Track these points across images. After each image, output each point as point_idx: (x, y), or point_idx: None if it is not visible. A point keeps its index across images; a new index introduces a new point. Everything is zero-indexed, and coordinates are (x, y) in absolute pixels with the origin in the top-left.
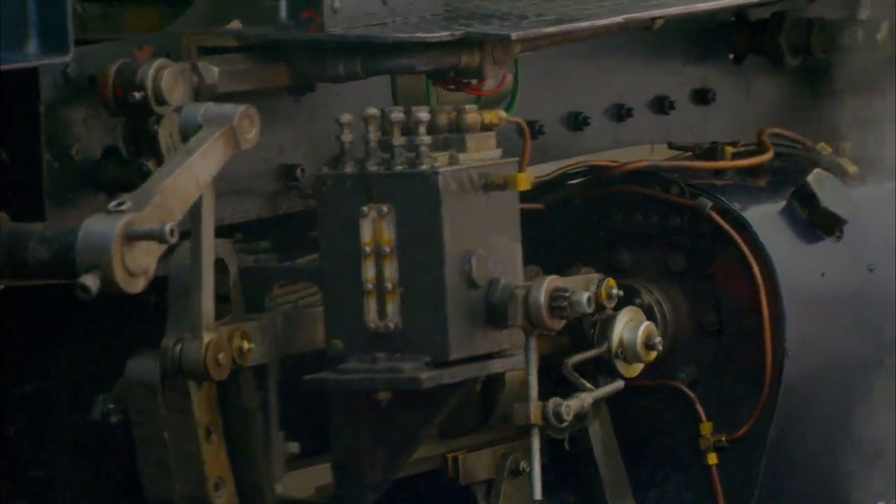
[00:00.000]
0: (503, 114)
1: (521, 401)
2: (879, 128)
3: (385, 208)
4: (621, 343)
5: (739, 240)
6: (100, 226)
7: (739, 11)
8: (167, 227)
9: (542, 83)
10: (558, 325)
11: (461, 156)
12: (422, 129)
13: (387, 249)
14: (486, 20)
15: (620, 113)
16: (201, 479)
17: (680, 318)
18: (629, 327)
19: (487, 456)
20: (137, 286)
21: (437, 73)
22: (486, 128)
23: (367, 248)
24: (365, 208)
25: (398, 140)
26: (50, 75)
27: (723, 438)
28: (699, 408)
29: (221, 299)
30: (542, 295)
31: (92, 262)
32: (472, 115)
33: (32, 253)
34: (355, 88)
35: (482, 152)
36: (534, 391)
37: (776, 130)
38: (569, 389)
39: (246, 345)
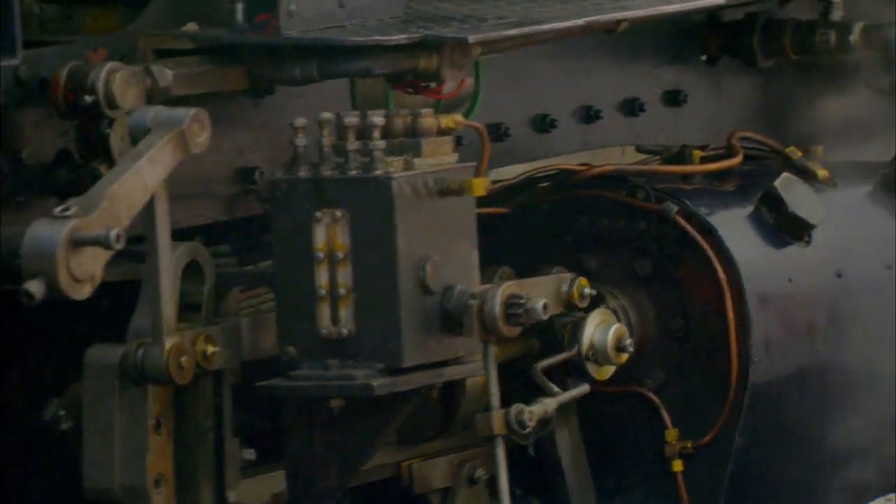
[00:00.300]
0: (460, 118)
1: (483, 407)
2: (853, 131)
3: (339, 213)
4: (592, 345)
5: (705, 245)
6: (45, 231)
7: (712, 13)
8: (113, 233)
9: (507, 85)
10: (514, 332)
11: (416, 161)
12: (376, 134)
13: (340, 255)
14: (445, 23)
15: (589, 115)
16: (143, 471)
17: (646, 324)
18: (599, 329)
19: (443, 464)
20: (83, 292)
21: (394, 76)
22: (442, 132)
23: (321, 254)
24: (318, 213)
25: (352, 145)
26: (1, 78)
27: (688, 445)
28: (665, 414)
29: (195, 307)
30: (496, 303)
31: (37, 267)
32: (428, 120)
33: None
34: (315, 91)
35: (438, 157)
36: (495, 400)
37: (746, 134)
38: (540, 393)
39: (210, 349)
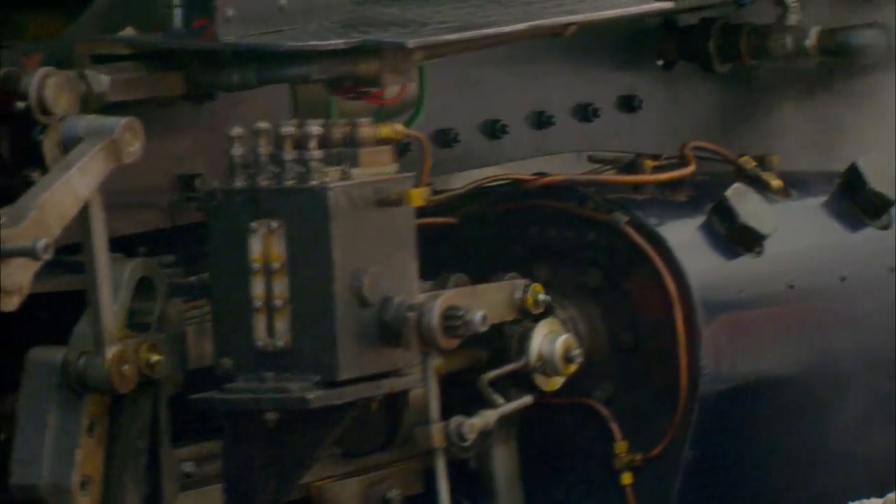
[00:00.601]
0: (400, 127)
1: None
2: (810, 138)
3: (275, 224)
4: (540, 356)
5: (654, 256)
6: None
7: (668, 17)
8: (40, 244)
9: (457, 90)
10: (453, 344)
11: (354, 171)
12: (313, 144)
13: (276, 266)
14: (385, 28)
15: (541, 120)
16: (71, 470)
17: (595, 335)
18: (547, 340)
19: (354, 485)
20: (11, 304)
21: (333, 81)
22: (381, 142)
23: (257, 265)
24: (254, 224)
25: (289, 154)
26: None
27: (638, 457)
28: (614, 426)
29: (145, 326)
30: (435, 315)
31: None
32: (366, 129)
33: None
34: (258, 97)
35: (377, 167)
36: (434, 412)
37: (699, 143)
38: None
39: (154, 357)
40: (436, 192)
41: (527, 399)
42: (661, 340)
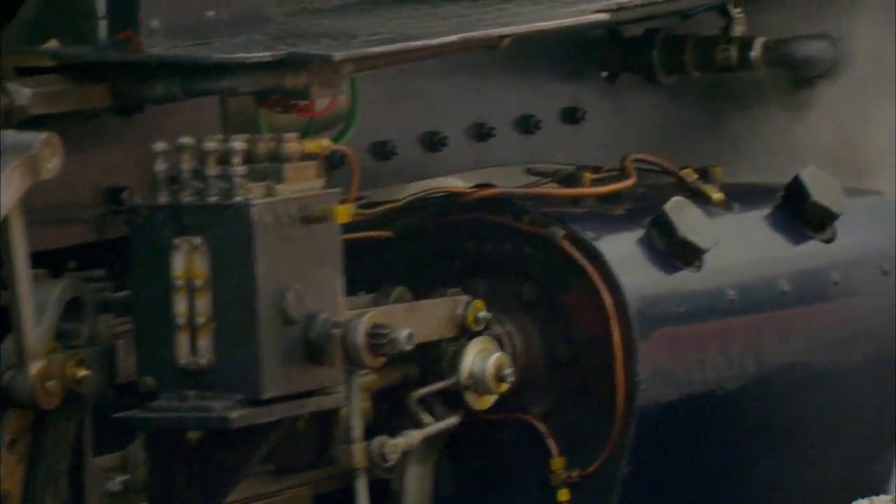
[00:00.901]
0: (327, 142)
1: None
2: (755, 151)
3: (198, 240)
4: (471, 374)
5: (591, 270)
6: None
7: (612, 27)
8: None
9: (394, 102)
10: (378, 362)
11: (279, 187)
12: (237, 159)
13: (199, 283)
14: (315, 40)
15: (482, 132)
16: None
17: (532, 350)
18: (479, 358)
19: None
20: None
21: (261, 94)
22: (307, 157)
23: (179, 282)
24: (177, 240)
25: (212, 170)
26: None
27: (575, 474)
28: (551, 442)
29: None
30: (360, 333)
31: None
32: (291, 145)
33: None
34: (189, 109)
35: (302, 183)
36: (356, 431)
37: (640, 156)
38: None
39: (81, 372)
40: (372, 205)
41: (453, 420)
42: (599, 355)
